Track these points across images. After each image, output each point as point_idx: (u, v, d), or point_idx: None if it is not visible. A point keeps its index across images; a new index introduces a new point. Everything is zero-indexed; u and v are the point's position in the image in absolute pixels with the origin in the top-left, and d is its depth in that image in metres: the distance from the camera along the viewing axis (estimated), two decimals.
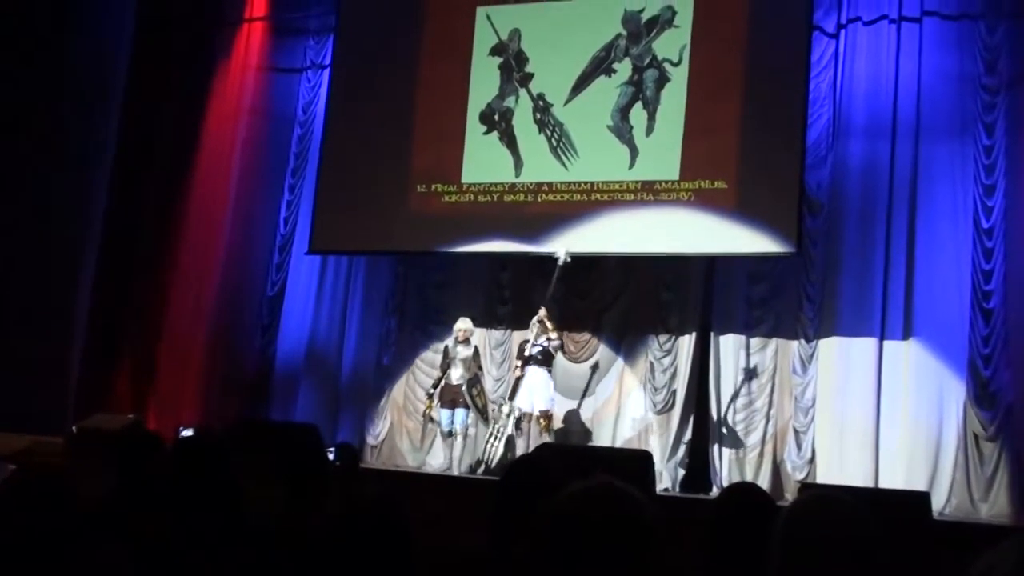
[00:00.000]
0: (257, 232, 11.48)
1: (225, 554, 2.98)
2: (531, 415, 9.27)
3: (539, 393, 9.27)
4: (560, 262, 9.17)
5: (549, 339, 9.42)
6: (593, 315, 10.05)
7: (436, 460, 10.33)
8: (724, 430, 9.49)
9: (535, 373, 9.25)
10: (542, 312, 9.41)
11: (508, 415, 9.27)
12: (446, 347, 9.82)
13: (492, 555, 2.35)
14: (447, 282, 10.96)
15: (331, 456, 5.22)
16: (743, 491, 3.00)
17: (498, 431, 9.25)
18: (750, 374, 9.55)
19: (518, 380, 9.32)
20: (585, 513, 1.94)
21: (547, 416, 9.29)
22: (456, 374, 9.61)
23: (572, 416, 10.00)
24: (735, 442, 9.48)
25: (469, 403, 9.54)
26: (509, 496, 2.46)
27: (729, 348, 9.62)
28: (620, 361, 10.12)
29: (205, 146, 11.62)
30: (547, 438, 9.19)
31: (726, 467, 9.41)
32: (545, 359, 9.34)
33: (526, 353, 9.37)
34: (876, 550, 2.01)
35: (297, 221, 11.31)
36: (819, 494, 2.17)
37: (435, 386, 9.76)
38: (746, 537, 2.63)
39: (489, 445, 9.20)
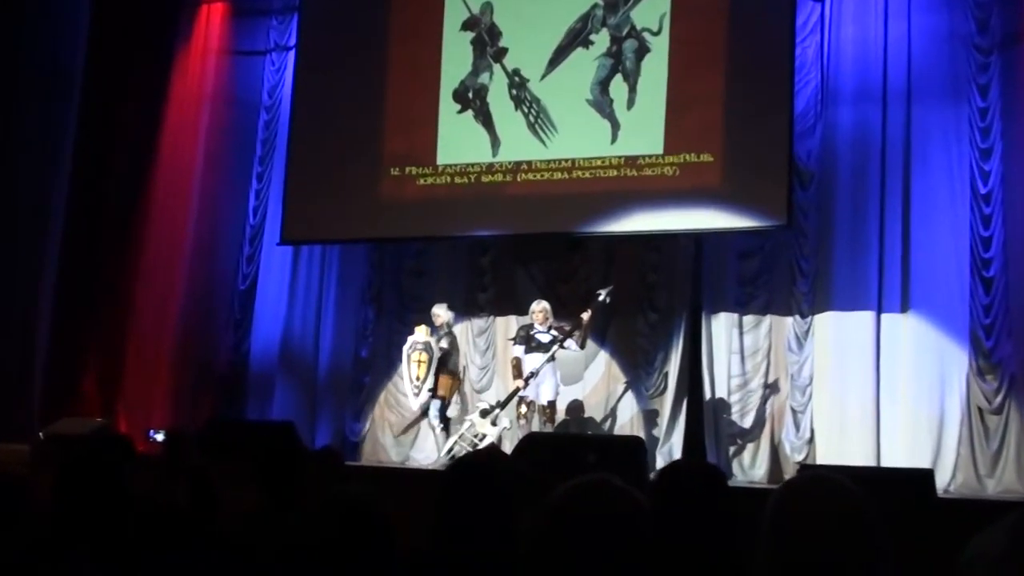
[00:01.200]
0: (225, 223, 11.41)
1: (193, 559, 2.94)
2: (534, 404, 9.25)
3: (546, 383, 9.27)
4: (601, 299, 9.20)
5: (558, 327, 9.38)
6: (578, 299, 10.04)
7: (420, 454, 10.33)
8: (719, 412, 9.50)
9: (539, 362, 9.22)
10: (544, 303, 9.40)
11: (469, 429, 9.28)
12: (427, 343, 9.88)
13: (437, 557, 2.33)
14: (425, 269, 10.93)
15: (312, 460, 5.20)
16: (678, 469, 2.98)
17: (464, 437, 9.26)
18: (743, 353, 9.59)
19: (518, 367, 9.28)
20: (576, 513, 1.91)
21: (551, 407, 9.28)
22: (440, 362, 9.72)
23: (575, 405, 10.01)
24: (731, 425, 9.49)
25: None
26: (449, 500, 2.42)
27: (721, 327, 9.62)
28: (608, 346, 10.13)
29: (167, 135, 11.54)
30: (550, 429, 9.18)
31: (722, 450, 9.42)
32: (550, 348, 9.30)
33: (533, 342, 9.31)
34: (871, 531, 1.98)
35: (267, 210, 11.23)
36: (810, 474, 2.15)
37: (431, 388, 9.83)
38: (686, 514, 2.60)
39: (456, 446, 9.22)
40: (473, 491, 2.38)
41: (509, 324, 10.40)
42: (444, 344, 9.74)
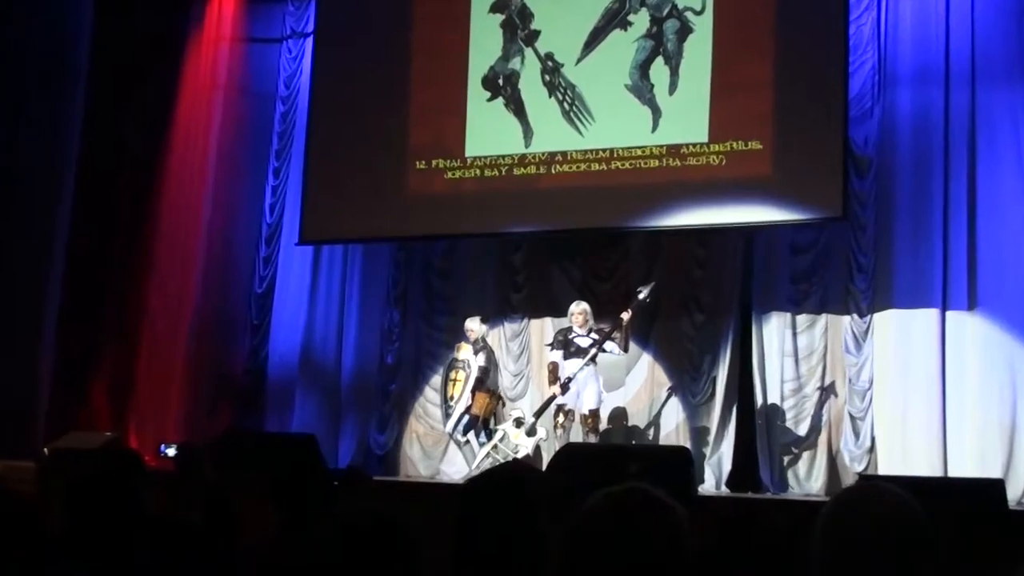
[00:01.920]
0: (241, 223, 11.47)
1: None
2: (573, 412, 9.25)
3: (587, 390, 9.26)
4: (642, 297, 9.21)
5: (598, 330, 9.38)
6: (618, 298, 10.03)
7: (451, 468, 10.35)
8: (772, 420, 9.47)
9: (581, 368, 9.20)
10: (584, 304, 9.41)
11: (503, 441, 9.30)
12: (452, 360, 9.94)
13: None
14: (454, 269, 10.96)
15: (337, 481, 5.23)
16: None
17: (497, 450, 9.27)
18: (798, 356, 9.55)
19: (555, 372, 9.29)
20: (608, 524, 1.91)
21: (594, 415, 9.27)
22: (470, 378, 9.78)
23: (618, 413, 10.00)
24: (785, 433, 9.45)
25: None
26: (469, 519, 2.40)
27: (773, 328, 9.58)
28: (651, 348, 10.12)
29: (178, 130, 11.59)
30: (593, 438, 9.19)
31: (776, 461, 9.39)
32: (592, 353, 9.29)
33: (572, 347, 9.31)
34: (929, 547, 1.97)
35: (284, 208, 11.28)
36: (863, 485, 2.13)
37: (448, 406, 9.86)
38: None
39: (489, 459, 9.23)
40: (496, 508, 2.37)
41: (544, 326, 10.41)
42: (482, 361, 9.79)
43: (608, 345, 9.27)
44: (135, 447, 10.11)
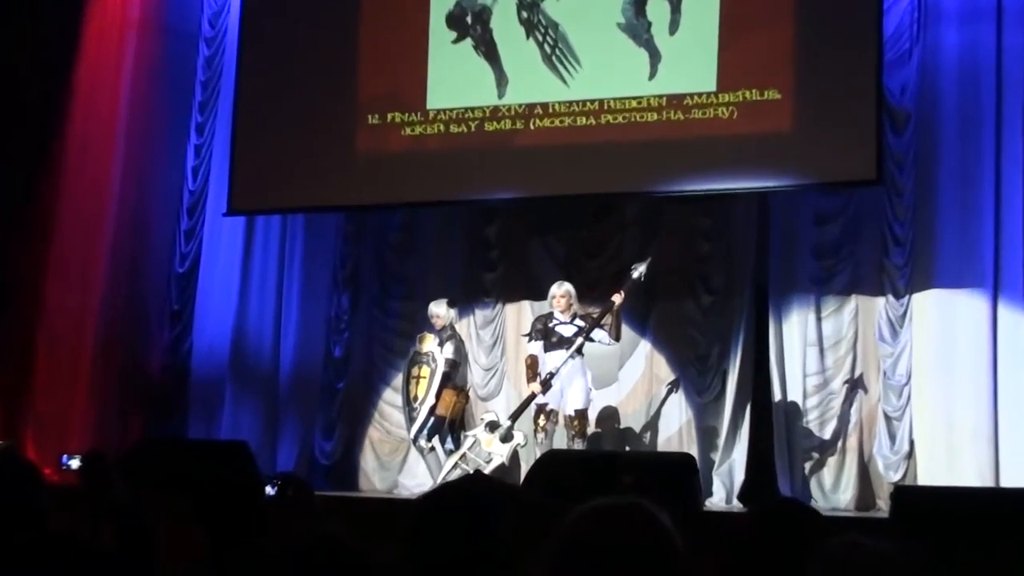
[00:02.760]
0: (157, 190, 11.42)
1: None
2: (556, 414, 9.26)
3: (573, 387, 9.28)
4: (636, 276, 9.23)
5: (584, 315, 9.40)
6: (609, 278, 10.06)
7: (412, 480, 10.38)
8: (792, 421, 9.53)
9: (564, 361, 9.21)
10: (566, 286, 9.41)
11: (473, 448, 9.33)
12: (414, 353, 9.94)
13: None
14: (414, 243, 10.98)
15: (272, 491, 5.22)
16: (785, 511, 3.01)
17: (466, 458, 9.30)
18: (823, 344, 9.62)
19: (534, 367, 9.29)
20: (589, 544, 1.94)
21: (581, 416, 9.30)
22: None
23: (608, 414, 10.04)
24: (807, 436, 9.52)
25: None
26: (422, 545, 2.41)
27: (794, 312, 9.65)
28: (649, 336, 10.17)
29: (82, 77, 11.49)
30: (579, 444, 9.21)
31: (797, 469, 9.46)
32: (578, 343, 9.29)
33: (554, 337, 9.31)
34: None
35: (210, 172, 11.25)
36: (849, 543, 2.17)
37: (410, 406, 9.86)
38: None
39: (457, 470, 9.25)
40: (453, 530, 2.36)
41: (522, 312, 10.47)
42: (450, 353, 9.78)
43: (597, 334, 9.28)
44: (32, 458, 10.10)
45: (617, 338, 9.40)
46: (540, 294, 9.92)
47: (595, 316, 9.39)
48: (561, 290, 9.42)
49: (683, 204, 9.98)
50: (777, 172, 9.18)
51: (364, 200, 10.39)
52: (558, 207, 10.36)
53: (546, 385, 9.21)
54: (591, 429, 9.60)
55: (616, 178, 9.58)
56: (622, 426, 10.03)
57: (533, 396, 9.26)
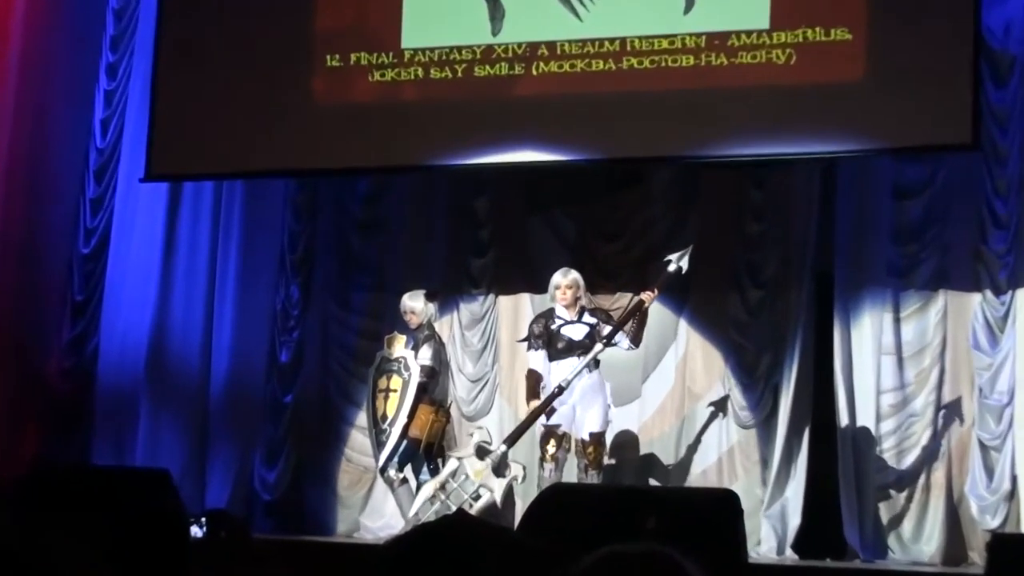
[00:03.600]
0: (55, 148, 11.35)
1: None
2: (568, 438, 9.21)
3: (588, 404, 9.23)
4: (673, 270, 9.16)
5: (595, 310, 9.35)
6: (632, 265, 10.03)
7: (377, 521, 10.39)
8: (862, 450, 9.50)
9: (577, 372, 9.13)
10: (573, 274, 9.34)
11: (458, 477, 9.27)
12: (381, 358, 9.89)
13: None
14: (383, 220, 10.97)
15: (199, 533, 5.20)
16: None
17: (447, 491, 9.28)
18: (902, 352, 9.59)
19: (536, 385, 9.24)
20: None
21: (597, 441, 9.22)
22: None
23: (626, 440, 10.01)
24: (882, 469, 9.49)
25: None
26: None
27: (865, 311, 9.62)
28: (681, 341, 10.16)
29: None
30: (594, 477, 9.15)
31: (867, 511, 9.42)
32: (589, 347, 9.22)
33: (559, 341, 9.21)
34: None
35: (124, 127, 11.23)
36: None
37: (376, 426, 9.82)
38: None
39: (432, 505, 9.23)
40: None
41: (519, 308, 10.45)
42: (427, 360, 9.73)
43: (618, 337, 9.23)
44: None
45: (637, 342, 9.36)
46: (543, 285, 9.87)
47: (609, 312, 9.38)
48: (567, 280, 9.34)
49: (726, 173, 9.97)
50: (845, 133, 9.12)
51: (320, 163, 10.33)
52: (567, 175, 10.33)
53: (549, 404, 9.14)
54: (608, 459, 9.56)
55: (641, 139, 9.52)
56: (645, 454, 10.03)
57: (536, 415, 9.21)
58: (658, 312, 9.76)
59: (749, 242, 10.06)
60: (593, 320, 9.32)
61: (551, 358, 9.30)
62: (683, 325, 10.19)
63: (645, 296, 9.19)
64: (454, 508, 8.99)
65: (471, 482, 9.25)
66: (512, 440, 9.35)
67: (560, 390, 9.11)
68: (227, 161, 10.53)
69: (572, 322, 9.33)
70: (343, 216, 11.10)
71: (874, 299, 9.67)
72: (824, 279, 9.82)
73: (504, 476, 9.27)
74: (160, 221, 11.15)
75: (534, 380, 9.30)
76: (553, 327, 9.35)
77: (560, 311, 9.35)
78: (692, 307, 10.16)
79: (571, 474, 9.30)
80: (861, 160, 9.58)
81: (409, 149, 10.03)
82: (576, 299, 9.34)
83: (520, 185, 10.60)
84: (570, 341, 9.29)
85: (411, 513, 9.40)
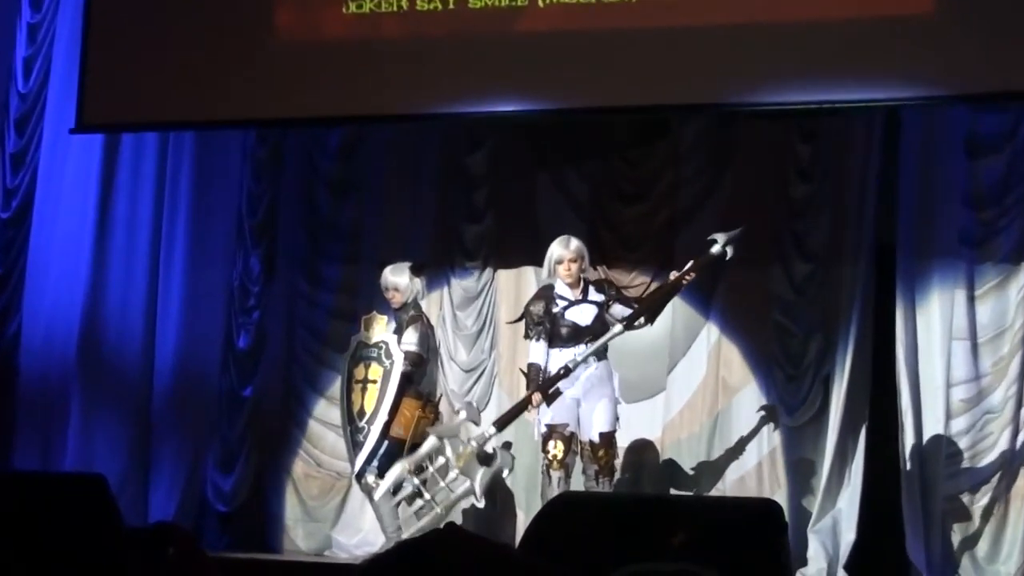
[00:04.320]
0: None
1: None
2: (575, 440, 9.18)
3: (594, 400, 9.16)
4: (718, 250, 9.03)
5: (601, 283, 9.31)
6: (655, 232, 10.04)
7: (352, 537, 10.44)
8: (928, 453, 9.51)
9: (583, 358, 9.11)
10: (575, 244, 9.24)
11: (454, 482, 9.29)
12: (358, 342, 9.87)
13: None
14: (359, 178, 11.00)
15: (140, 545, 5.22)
16: None
17: (423, 476, 9.31)
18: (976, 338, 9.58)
19: (534, 374, 9.23)
20: None
21: (607, 443, 9.19)
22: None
23: (644, 443, 10.04)
24: (953, 476, 9.50)
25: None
26: None
27: (933, 287, 9.63)
28: (715, 322, 10.20)
29: None
30: (605, 485, 9.11)
31: (934, 526, 9.43)
32: (600, 333, 9.17)
33: (563, 326, 9.15)
34: None
35: (50, 69, 11.26)
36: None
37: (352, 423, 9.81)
38: None
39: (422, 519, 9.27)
40: None
41: (522, 283, 10.49)
42: (412, 345, 9.71)
43: (618, 310, 9.14)
44: None
45: (651, 320, 9.29)
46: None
47: (619, 286, 9.34)
48: (569, 251, 9.17)
49: (769, 124, 10.00)
50: (911, 76, 9.13)
51: (285, 112, 10.33)
52: (579, 126, 10.36)
53: (553, 385, 9.10)
54: (621, 463, 9.57)
55: (668, 83, 9.53)
56: (668, 457, 10.09)
57: (527, 404, 9.13)
58: (687, 288, 9.74)
59: (796, 206, 10.09)
60: (600, 297, 9.21)
61: (552, 347, 9.23)
62: (716, 304, 10.22)
63: (686, 277, 9.01)
64: (430, 497, 9.03)
65: (452, 467, 9.22)
66: (503, 423, 9.30)
67: (567, 371, 9.05)
68: (174, 109, 10.51)
69: (577, 302, 9.22)
70: (312, 174, 11.15)
71: (944, 274, 9.68)
72: (884, 250, 9.85)
73: (490, 465, 9.23)
74: (94, 180, 11.18)
75: (535, 374, 9.26)
76: (555, 310, 9.24)
77: (561, 289, 9.23)
78: (727, 283, 10.16)
79: (579, 484, 9.27)
80: (930, 109, 9.60)
81: (390, 95, 10.01)
82: (580, 272, 9.23)
83: (523, 138, 10.63)
84: (575, 326, 9.18)
85: (391, 527, 9.41)
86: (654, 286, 9.98)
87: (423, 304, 9.97)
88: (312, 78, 10.10)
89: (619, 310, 9.20)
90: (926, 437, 9.57)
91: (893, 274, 9.76)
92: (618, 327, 9.09)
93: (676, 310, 9.52)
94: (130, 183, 11.18)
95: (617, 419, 9.33)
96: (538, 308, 9.29)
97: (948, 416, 9.57)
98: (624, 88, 9.58)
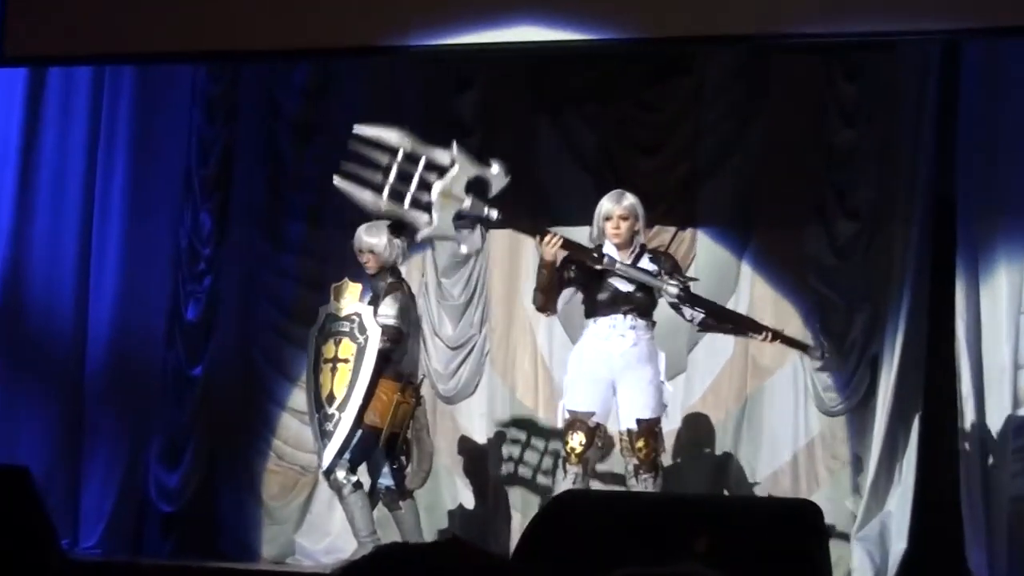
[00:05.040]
0: None
1: None
2: (602, 431, 9.17)
3: (633, 381, 9.08)
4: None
5: (663, 261, 9.22)
6: (676, 189, 10.11)
7: (319, 542, 10.53)
8: (992, 447, 9.58)
9: (617, 339, 9.12)
10: (628, 200, 9.17)
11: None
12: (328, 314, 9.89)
13: None
14: (326, 122, 11.03)
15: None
16: None
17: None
18: None
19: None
20: None
21: (649, 432, 9.08)
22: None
23: (668, 429, 10.03)
24: (1020, 472, 9.53)
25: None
26: None
27: (999, 256, 9.68)
28: (743, 293, 10.25)
29: None
30: (647, 483, 9.03)
31: (999, 531, 9.47)
32: (644, 306, 9.21)
33: (602, 290, 9.08)
34: None
35: None
36: None
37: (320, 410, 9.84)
38: None
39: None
40: None
41: (518, 246, 10.57)
42: (390, 318, 9.72)
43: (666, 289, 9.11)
44: None
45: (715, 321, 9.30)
46: (554, 213, 9.95)
47: (674, 257, 9.34)
48: (620, 206, 9.04)
49: (807, 60, 10.06)
50: (973, 2, 9.22)
51: (242, 43, 10.36)
52: (585, 63, 10.41)
53: (592, 255, 8.94)
54: (668, 456, 9.60)
55: (689, 11, 9.54)
56: (691, 446, 10.20)
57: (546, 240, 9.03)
58: (710, 251, 9.80)
59: (838, 156, 10.13)
60: (654, 267, 9.10)
61: (588, 314, 9.15)
62: (746, 271, 10.30)
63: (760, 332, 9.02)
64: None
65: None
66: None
67: (611, 262, 8.93)
68: (111, 38, 10.51)
69: (624, 265, 9.02)
70: (273, 117, 11.20)
71: (1011, 238, 9.72)
72: (943, 209, 9.88)
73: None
74: (15, 122, 11.25)
75: (562, 248, 8.95)
76: (600, 268, 9.03)
77: (609, 250, 9.09)
78: (759, 245, 10.26)
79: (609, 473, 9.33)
80: (995, 42, 9.63)
81: (364, 24, 10.05)
82: (633, 235, 9.12)
83: (520, 76, 10.68)
84: (615, 292, 9.07)
85: (365, 531, 9.48)
86: (684, 243, 10.08)
87: (403, 270, 9.97)
88: (272, 3, 10.15)
89: (672, 290, 8.98)
90: (990, 428, 9.61)
91: (953, 236, 9.78)
92: (690, 313, 9.05)
93: (704, 271, 9.54)
94: (58, 126, 11.22)
95: (664, 406, 9.20)
96: (572, 271, 9.12)
97: (1015, 405, 9.61)
98: (638, 17, 9.56)
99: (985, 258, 9.75)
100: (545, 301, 9.00)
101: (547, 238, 8.74)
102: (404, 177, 8.56)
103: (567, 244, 8.79)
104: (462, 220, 8.78)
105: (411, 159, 8.57)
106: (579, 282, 9.11)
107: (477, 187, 8.73)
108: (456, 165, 8.65)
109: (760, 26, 9.51)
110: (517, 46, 9.91)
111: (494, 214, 8.75)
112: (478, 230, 9.21)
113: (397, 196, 8.45)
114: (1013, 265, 9.71)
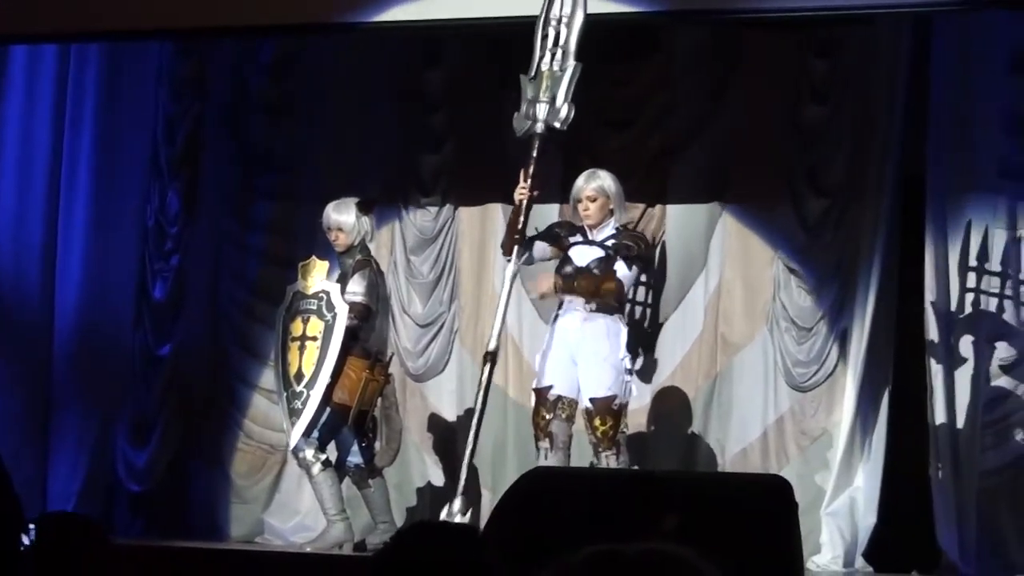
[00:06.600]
0: None
1: None
2: (576, 405, 9.16)
3: (590, 357, 9.15)
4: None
5: (624, 231, 9.21)
6: (647, 164, 10.10)
7: (287, 521, 10.54)
8: (965, 424, 9.56)
9: (583, 316, 9.16)
10: (599, 180, 9.16)
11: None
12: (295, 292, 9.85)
13: None
14: (296, 98, 11.01)
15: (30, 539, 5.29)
16: None
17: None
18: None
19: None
20: None
21: (605, 410, 9.11)
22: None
23: (631, 409, 9.99)
24: (994, 448, 9.53)
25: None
26: None
27: (970, 228, 9.66)
28: (713, 269, 10.21)
29: None
30: (613, 459, 9.02)
31: (968, 511, 9.46)
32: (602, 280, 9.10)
33: (566, 264, 9.11)
34: None
35: None
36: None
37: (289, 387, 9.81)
38: None
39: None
40: None
41: (488, 222, 10.55)
42: (359, 295, 9.69)
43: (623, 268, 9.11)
44: None
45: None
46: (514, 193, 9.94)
47: (640, 241, 9.32)
48: (590, 187, 9.18)
49: (778, 35, 10.04)
50: None
51: (206, 20, 10.30)
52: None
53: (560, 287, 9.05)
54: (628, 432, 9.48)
55: None
56: (659, 426, 10.17)
57: (491, 360, 9.03)
58: (679, 227, 9.77)
59: (808, 132, 10.13)
60: (631, 243, 9.15)
61: (555, 289, 9.18)
62: (716, 246, 10.25)
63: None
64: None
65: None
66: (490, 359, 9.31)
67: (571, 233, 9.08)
68: (75, 16, 10.49)
69: (586, 243, 9.19)
70: (241, 94, 11.15)
71: (982, 211, 9.71)
72: (913, 184, 9.88)
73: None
74: None
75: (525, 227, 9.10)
76: (570, 240, 9.24)
77: (586, 227, 9.24)
78: (728, 221, 10.22)
79: (578, 451, 9.30)
80: (966, 16, 9.61)
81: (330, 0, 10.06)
82: (606, 215, 9.21)
83: (488, 52, 10.63)
84: (575, 268, 9.14)
85: (333, 511, 9.46)
86: (653, 221, 10.07)
87: (371, 247, 9.96)
88: None
89: (621, 264, 9.08)
90: (959, 403, 9.60)
91: (922, 212, 9.79)
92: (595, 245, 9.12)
93: (667, 253, 9.51)
94: (23, 104, 11.18)
95: (626, 384, 9.19)
96: (564, 229, 9.36)
97: (985, 378, 9.61)
98: None
99: (954, 233, 9.74)
100: (507, 244, 9.05)
101: (521, 184, 8.91)
102: None
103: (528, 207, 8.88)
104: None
105: None
106: (550, 240, 9.28)
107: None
108: None
109: (728, 2, 9.53)
110: (484, 22, 9.91)
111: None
112: None
113: None
114: (981, 240, 9.69)
